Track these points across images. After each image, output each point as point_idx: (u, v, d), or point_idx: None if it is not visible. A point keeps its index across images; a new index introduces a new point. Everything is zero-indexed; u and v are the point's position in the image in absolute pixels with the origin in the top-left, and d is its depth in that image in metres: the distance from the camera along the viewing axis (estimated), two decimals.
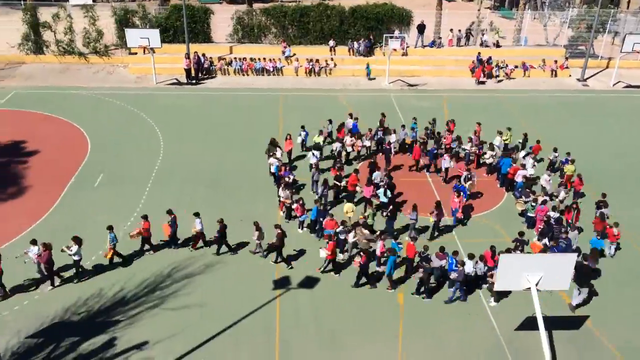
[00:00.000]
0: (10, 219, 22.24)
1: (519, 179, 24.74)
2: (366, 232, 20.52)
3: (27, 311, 18.08)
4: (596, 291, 19.70)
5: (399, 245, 20.42)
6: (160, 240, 21.08)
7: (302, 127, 27.72)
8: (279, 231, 19.87)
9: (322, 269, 20.15)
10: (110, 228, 19.82)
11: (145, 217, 20.47)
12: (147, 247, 20.85)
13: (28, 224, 21.84)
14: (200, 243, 21.19)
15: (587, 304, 19.19)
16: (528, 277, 16.08)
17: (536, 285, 16.11)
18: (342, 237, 20.69)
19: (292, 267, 20.27)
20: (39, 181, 25.31)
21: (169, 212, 20.72)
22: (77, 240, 19.00)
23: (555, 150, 27.04)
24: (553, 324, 18.10)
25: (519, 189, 24.32)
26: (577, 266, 17.60)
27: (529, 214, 22.95)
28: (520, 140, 28.03)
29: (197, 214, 20.75)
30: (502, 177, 25.84)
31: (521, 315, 18.50)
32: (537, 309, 16.24)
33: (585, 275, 18.88)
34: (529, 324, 17.96)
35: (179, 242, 21.31)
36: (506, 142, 27.72)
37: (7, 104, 32.45)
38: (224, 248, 20.93)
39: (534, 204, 22.83)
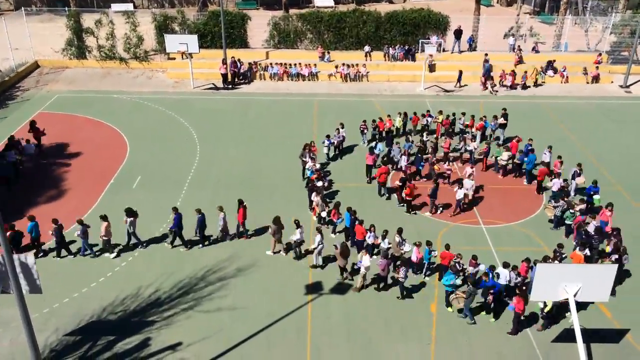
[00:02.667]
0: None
1: (555, 187, 24.25)
2: (397, 238, 20.39)
3: (66, 309, 18.56)
4: (638, 304, 19.12)
5: (433, 253, 20.19)
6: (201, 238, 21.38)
7: (327, 136, 27.90)
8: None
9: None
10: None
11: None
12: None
13: (69, 224, 22.39)
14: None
15: (628, 317, 18.63)
16: (566, 287, 15.70)
17: (574, 296, 15.72)
18: (370, 241, 20.58)
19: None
20: (80, 182, 25.99)
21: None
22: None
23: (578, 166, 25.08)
24: (591, 336, 17.62)
25: (555, 196, 23.83)
26: None
27: (567, 222, 22.42)
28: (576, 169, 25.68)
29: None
30: (528, 175, 26.15)
31: (559, 327, 18.06)
32: (575, 320, 15.85)
33: None
34: (567, 336, 17.54)
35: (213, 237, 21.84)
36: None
37: (51, 107, 33.44)
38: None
39: (572, 211, 22.30)
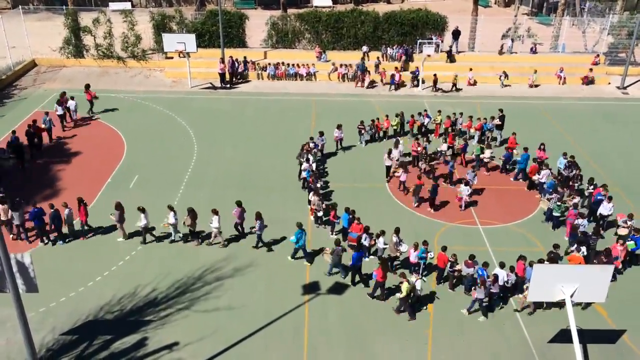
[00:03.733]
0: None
1: (543, 179, 24.53)
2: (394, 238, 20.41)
3: (62, 308, 18.53)
4: (634, 305, 19.17)
5: (429, 254, 20.20)
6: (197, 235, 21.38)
7: (321, 132, 27.97)
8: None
9: (327, 273, 20.17)
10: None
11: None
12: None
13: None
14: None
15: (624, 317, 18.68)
16: (563, 288, 15.73)
17: (571, 296, 15.75)
18: (365, 243, 20.54)
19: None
20: (78, 181, 25.94)
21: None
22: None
23: (590, 182, 24.26)
24: (588, 337, 17.66)
25: (550, 190, 23.86)
26: None
27: (554, 214, 22.71)
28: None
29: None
30: (523, 173, 26.40)
31: (555, 327, 18.10)
32: (572, 321, 15.87)
33: None
34: (563, 336, 17.56)
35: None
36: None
37: (49, 106, 33.33)
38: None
39: (559, 203, 22.55)
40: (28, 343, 14.82)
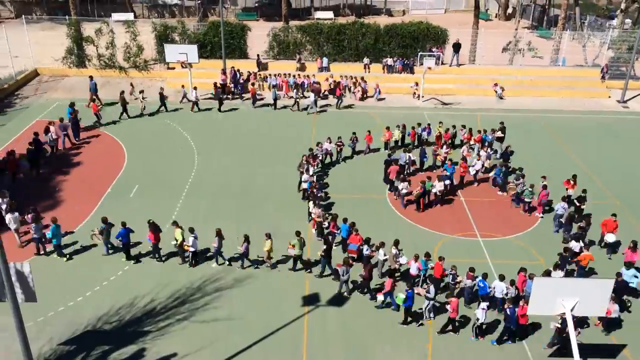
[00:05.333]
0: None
1: (483, 158, 27.03)
2: (394, 250, 20.36)
3: (60, 318, 18.45)
4: (635, 319, 19.08)
5: (429, 264, 20.14)
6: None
7: (318, 143, 28.14)
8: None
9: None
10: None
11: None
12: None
13: (66, 231, 22.29)
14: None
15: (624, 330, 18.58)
16: (563, 302, 15.67)
17: (571, 310, 15.69)
18: (366, 253, 20.43)
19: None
20: (78, 190, 25.92)
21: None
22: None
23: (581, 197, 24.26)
24: (589, 351, 17.54)
25: (501, 178, 26.16)
26: None
27: (526, 199, 24.64)
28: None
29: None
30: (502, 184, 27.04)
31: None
32: (572, 335, 15.78)
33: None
34: (564, 351, 17.44)
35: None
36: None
37: (50, 115, 33.36)
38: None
39: (530, 189, 24.52)
40: (26, 352, 14.77)
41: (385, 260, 20.50)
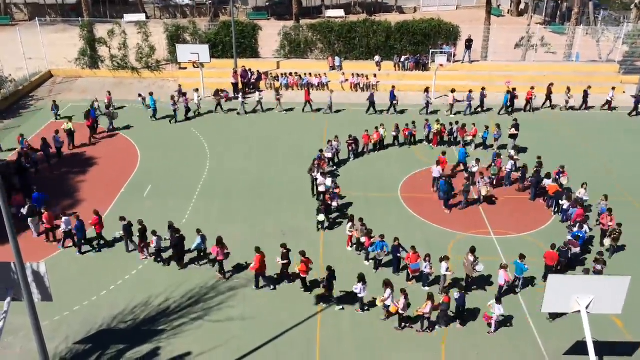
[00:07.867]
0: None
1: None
2: (470, 258, 19.61)
3: (76, 317, 18.63)
4: None
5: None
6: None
7: (329, 141, 28.15)
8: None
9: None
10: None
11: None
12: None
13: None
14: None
15: None
16: (578, 299, 15.54)
17: (587, 308, 15.56)
18: (426, 271, 19.66)
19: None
20: (92, 190, 26.17)
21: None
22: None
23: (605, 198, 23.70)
24: (604, 349, 17.39)
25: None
26: None
27: (491, 173, 25.79)
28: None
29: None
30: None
31: (570, 340, 17.87)
32: (587, 333, 15.65)
33: None
34: (579, 348, 17.32)
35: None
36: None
37: (63, 116, 33.65)
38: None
39: (496, 166, 25.93)
40: (42, 352, 14.94)
41: (447, 275, 19.52)
